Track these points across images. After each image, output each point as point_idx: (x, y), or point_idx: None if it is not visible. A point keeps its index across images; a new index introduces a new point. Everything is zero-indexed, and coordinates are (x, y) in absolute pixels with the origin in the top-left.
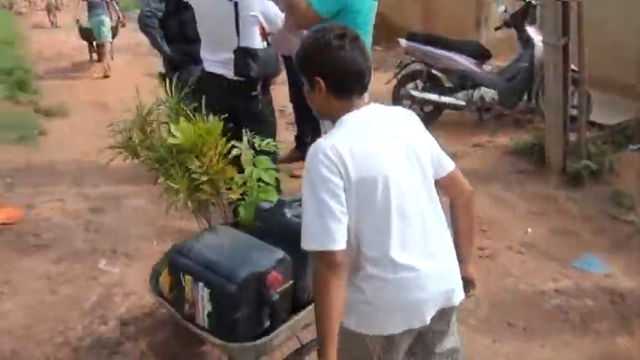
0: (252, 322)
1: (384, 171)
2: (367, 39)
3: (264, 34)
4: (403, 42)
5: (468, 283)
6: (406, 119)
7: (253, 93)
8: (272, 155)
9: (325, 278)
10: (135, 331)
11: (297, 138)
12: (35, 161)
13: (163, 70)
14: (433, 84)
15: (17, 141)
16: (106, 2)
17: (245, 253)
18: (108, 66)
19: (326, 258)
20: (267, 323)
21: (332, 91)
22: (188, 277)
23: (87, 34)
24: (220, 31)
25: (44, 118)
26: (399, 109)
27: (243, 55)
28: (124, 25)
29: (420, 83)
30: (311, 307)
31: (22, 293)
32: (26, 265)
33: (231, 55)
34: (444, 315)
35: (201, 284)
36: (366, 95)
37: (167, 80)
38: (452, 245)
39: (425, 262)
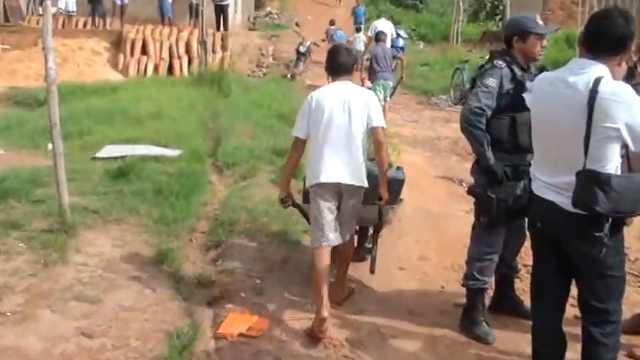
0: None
1: (324, 109)
2: None
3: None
4: None
5: (379, 199)
6: (357, 91)
7: (597, 234)
8: (615, 325)
9: (291, 148)
10: None
11: None
12: (293, 259)
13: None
14: None
15: (278, 236)
16: (399, 59)
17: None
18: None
19: (293, 139)
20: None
21: (329, 74)
22: None
23: None
24: (562, 146)
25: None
26: (364, 89)
27: (590, 181)
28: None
29: None
30: (397, 206)
31: None
32: None
33: (573, 179)
34: (342, 185)
35: None
36: (350, 77)
37: (482, 197)
38: (355, 159)
39: (329, 155)
